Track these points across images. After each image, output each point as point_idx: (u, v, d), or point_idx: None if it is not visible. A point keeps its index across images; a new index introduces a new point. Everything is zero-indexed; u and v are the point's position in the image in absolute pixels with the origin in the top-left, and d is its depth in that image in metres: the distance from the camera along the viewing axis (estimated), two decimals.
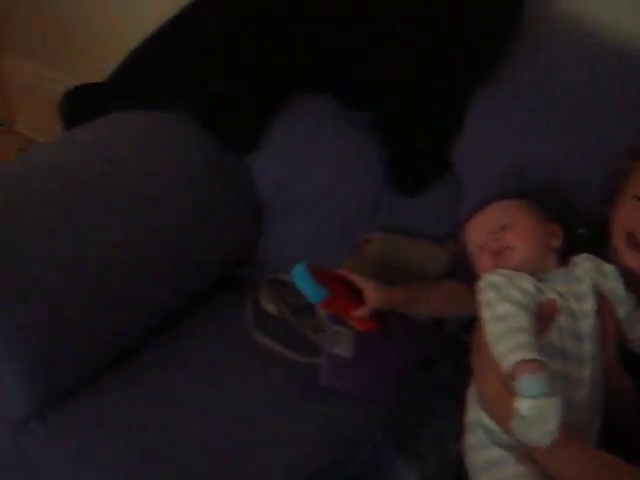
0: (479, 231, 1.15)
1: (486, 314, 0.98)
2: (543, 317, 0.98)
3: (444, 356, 1.20)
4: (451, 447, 1.06)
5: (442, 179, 1.40)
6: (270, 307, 1.39)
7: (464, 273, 1.18)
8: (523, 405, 0.84)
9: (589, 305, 1.03)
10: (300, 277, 1.12)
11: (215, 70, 1.34)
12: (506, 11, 1.34)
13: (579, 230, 1.23)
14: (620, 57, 1.29)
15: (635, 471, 0.88)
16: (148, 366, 1.24)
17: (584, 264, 1.07)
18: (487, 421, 0.98)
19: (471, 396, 1.04)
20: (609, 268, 1.07)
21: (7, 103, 2.84)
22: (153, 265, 1.24)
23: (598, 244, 1.16)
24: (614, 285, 1.06)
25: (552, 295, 1.02)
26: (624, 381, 1.07)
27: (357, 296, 1.18)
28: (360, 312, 1.16)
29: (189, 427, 1.14)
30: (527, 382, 0.86)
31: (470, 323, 1.16)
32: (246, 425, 1.17)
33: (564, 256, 1.12)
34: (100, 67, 1.55)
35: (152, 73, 1.44)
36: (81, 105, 1.48)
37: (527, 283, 1.01)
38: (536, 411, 0.84)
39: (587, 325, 1.02)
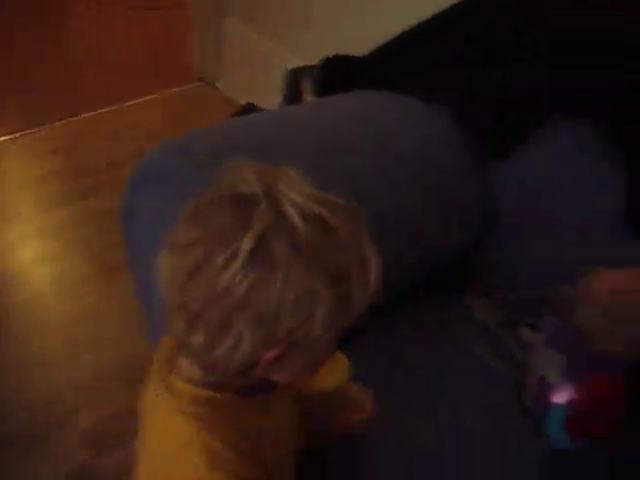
0: None
1: None
2: None
3: None
4: None
5: None
6: (479, 314, 1.38)
7: None
8: None
9: None
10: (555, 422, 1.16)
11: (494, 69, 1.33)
12: None
13: None
14: None
15: None
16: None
17: None
18: None
19: None
20: None
21: (216, 61, 2.94)
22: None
23: None
24: None
25: None
26: None
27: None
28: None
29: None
30: None
31: None
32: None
33: None
34: (315, 45, 1.60)
35: (416, 59, 1.45)
36: (335, 76, 1.51)
37: None
38: None
39: None
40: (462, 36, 1.46)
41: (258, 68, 2.59)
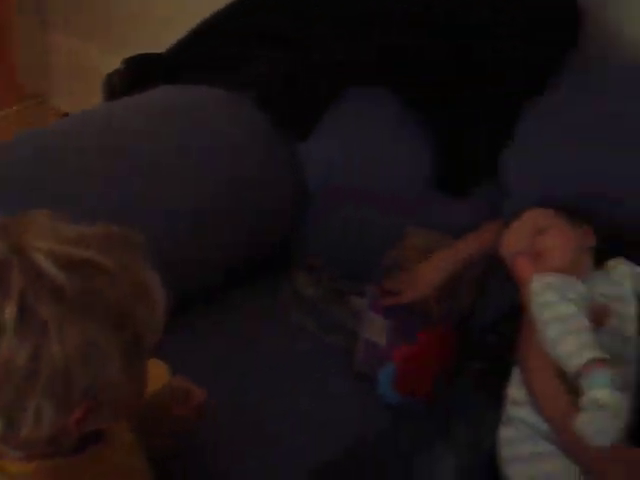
0: (516, 236, 1.16)
1: (545, 315, 0.99)
2: (595, 321, 1.00)
3: (480, 353, 1.23)
4: (484, 440, 1.08)
5: (487, 183, 1.42)
6: (308, 290, 1.42)
7: None
8: (602, 394, 0.86)
9: (632, 308, 1.06)
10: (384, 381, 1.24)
11: (280, 53, 1.37)
12: (564, 28, 1.37)
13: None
14: None
15: None
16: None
17: (621, 268, 1.10)
18: (535, 418, 1.00)
19: (514, 392, 1.06)
20: None
21: (46, 77, 2.86)
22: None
23: None
24: None
25: (599, 298, 1.04)
26: None
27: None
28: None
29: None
30: (601, 374, 0.88)
31: (497, 322, 1.20)
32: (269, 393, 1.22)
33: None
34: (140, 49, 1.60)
35: (212, 50, 1.47)
36: (137, 74, 1.51)
37: (578, 286, 1.03)
38: (613, 402, 0.85)
39: (631, 328, 1.05)
40: (255, 24, 1.50)
41: (88, 79, 2.55)
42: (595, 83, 1.34)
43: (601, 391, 0.86)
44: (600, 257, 1.15)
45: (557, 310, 0.98)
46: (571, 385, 0.92)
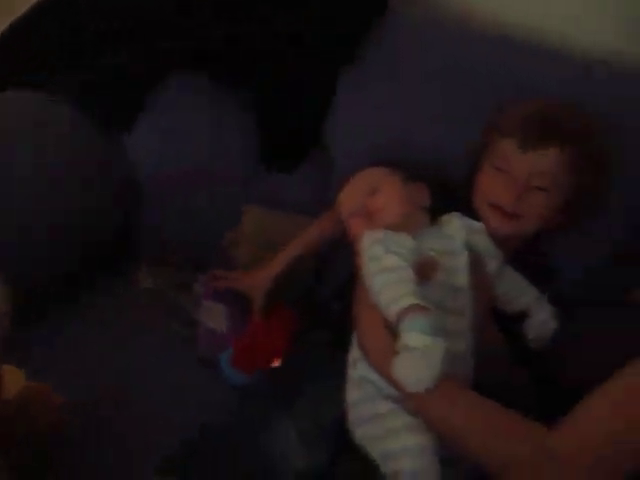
0: (350, 197, 1.16)
1: (372, 268, 0.99)
2: (422, 273, 1.01)
3: (320, 322, 1.22)
4: (326, 411, 1.08)
5: (315, 156, 1.42)
6: (149, 283, 1.37)
7: None
8: (412, 338, 0.86)
9: (462, 260, 1.07)
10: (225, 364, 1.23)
11: (87, 53, 1.31)
12: None
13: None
14: (485, 40, 1.34)
15: (515, 415, 0.89)
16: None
17: (454, 222, 1.12)
18: (375, 376, 0.99)
19: (354, 353, 1.05)
20: (478, 225, 1.12)
21: None
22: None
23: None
24: (484, 241, 1.11)
25: (428, 252, 1.05)
26: (495, 336, 1.12)
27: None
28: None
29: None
30: (416, 319, 0.88)
31: (342, 291, 1.19)
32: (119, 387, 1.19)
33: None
34: None
35: (23, 54, 1.39)
36: None
37: (407, 240, 1.04)
38: (424, 345, 0.85)
39: (462, 279, 1.06)
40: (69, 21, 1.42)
41: None
42: (408, 44, 1.36)
43: (411, 334, 0.86)
44: (435, 214, 1.16)
45: (382, 263, 0.98)
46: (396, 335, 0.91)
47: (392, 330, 0.92)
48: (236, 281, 1.28)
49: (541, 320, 1.15)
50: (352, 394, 1.04)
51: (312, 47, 1.36)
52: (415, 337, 0.86)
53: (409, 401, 0.93)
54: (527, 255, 1.21)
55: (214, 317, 1.27)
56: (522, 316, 1.16)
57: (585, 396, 0.84)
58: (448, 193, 1.26)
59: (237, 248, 1.37)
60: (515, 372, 1.10)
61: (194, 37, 1.38)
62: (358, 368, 1.03)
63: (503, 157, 1.15)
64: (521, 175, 1.12)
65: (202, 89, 1.41)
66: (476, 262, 1.09)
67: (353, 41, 1.35)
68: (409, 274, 0.96)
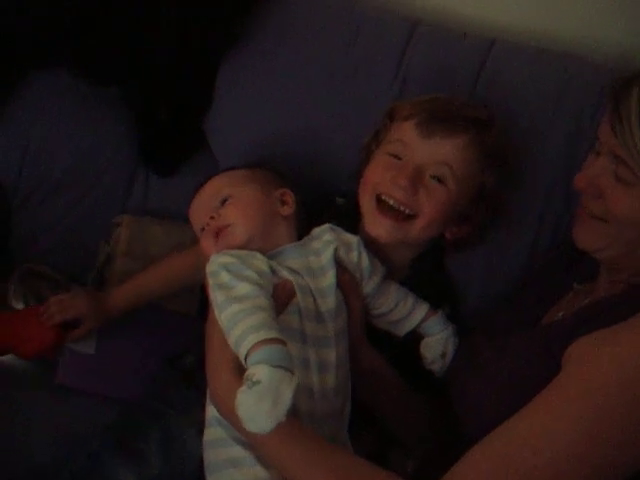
0: (199, 210, 1.03)
1: (220, 297, 0.87)
2: (279, 299, 0.89)
3: (195, 347, 1.09)
4: (181, 446, 0.99)
5: (199, 155, 1.29)
6: (19, 304, 1.24)
7: None
8: (258, 370, 0.74)
9: (328, 281, 0.95)
10: None
11: None
12: None
13: (338, 200, 1.15)
14: (378, 21, 1.23)
15: (358, 462, 0.82)
16: None
17: (324, 236, 0.99)
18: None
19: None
20: (352, 239, 1.00)
21: None
22: None
23: (358, 215, 1.08)
24: (358, 257, 0.99)
25: (285, 273, 0.93)
26: (373, 362, 1.01)
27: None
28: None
29: None
30: (265, 351, 0.76)
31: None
32: None
33: (311, 227, 1.03)
34: None
35: None
36: None
37: (260, 262, 0.92)
38: (271, 379, 0.74)
39: (327, 303, 0.94)
40: None
41: None
42: (287, 29, 1.24)
43: (257, 367, 0.75)
44: (313, 223, 1.04)
45: (232, 292, 0.86)
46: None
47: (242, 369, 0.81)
48: (71, 309, 1.12)
49: (436, 339, 1.05)
50: (208, 434, 0.93)
51: (188, 34, 1.21)
52: (262, 369, 0.74)
53: (251, 440, 0.83)
54: (428, 272, 1.11)
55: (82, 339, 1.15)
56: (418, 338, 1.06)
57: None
58: (329, 195, 1.15)
59: (112, 261, 1.25)
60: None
61: (43, 27, 1.22)
62: (213, 408, 0.92)
63: (399, 142, 1.03)
64: (418, 162, 1.00)
65: (64, 88, 1.26)
66: (347, 281, 0.98)
67: (233, 25, 1.22)
68: (261, 302, 0.85)
